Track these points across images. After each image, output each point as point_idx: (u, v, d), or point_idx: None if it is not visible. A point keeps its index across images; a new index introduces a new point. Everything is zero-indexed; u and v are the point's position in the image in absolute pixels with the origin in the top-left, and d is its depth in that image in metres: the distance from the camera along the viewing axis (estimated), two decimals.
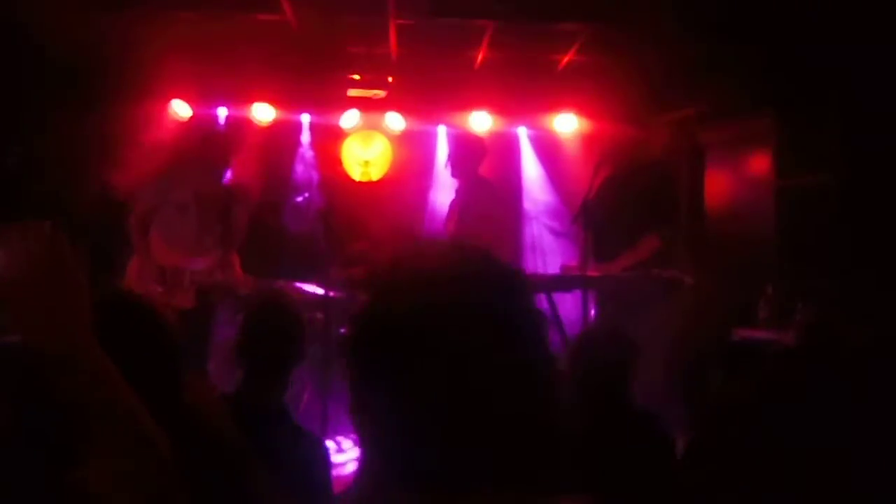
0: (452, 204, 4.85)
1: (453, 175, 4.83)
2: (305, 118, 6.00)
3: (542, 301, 4.47)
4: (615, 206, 4.08)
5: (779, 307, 4.18)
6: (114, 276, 4.02)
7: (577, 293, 4.08)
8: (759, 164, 5.05)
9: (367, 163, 6.05)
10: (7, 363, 1.75)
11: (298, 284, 4.71)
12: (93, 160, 5.04)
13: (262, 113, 5.83)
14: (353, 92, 5.79)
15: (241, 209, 4.25)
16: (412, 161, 6.04)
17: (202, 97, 5.73)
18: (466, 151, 4.77)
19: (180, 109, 5.69)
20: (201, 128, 4.34)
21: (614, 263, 4.04)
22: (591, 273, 3.97)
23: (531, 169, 6.05)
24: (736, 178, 5.27)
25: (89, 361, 1.02)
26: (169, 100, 5.63)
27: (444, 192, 5.60)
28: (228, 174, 4.84)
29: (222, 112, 5.89)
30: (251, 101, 5.77)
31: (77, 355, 1.01)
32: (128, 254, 4.14)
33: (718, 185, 5.37)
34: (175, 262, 3.95)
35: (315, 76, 5.58)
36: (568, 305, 4.22)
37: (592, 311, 4.07)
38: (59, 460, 1.15)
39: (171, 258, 3.94)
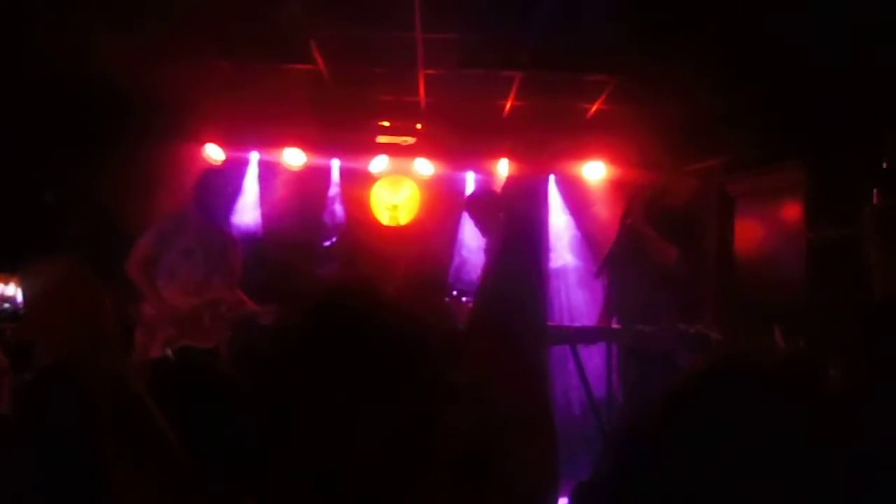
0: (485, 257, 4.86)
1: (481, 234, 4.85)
2: (335, 163, 6.09)
3: (566, 353, 4.45)
4: (636, 255, 4.05)
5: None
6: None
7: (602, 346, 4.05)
8: (791, 214, 4.98)
9: (395, 207, 6.11)
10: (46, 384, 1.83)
11: None
12: (128, 199, 5.15)
13: (294, 157, 5.93)
14: (382, 138, 5.87)
15: (236, 250, 4.57)
16: (440, 206, 6.08)
17: (235, 142, 5.86)
18: (479, 207, 4.78)
19: (213, 153, 5.82)
20: (198, 176, 4.64)
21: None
22: (615, 326, 3.94)
23: (559, 217, 6.04)
24: (767, 228, 5.19)
25: (113, 370, 1.11)
26: (203, 143, 5.76)
27: (471, 236, 5.63)
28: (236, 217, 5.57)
29: (254, 156, 6.01)
30: (283, 145, 5.88)
31: (101, 365, 1.10)
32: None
33: (749, 235, 5.29)
34: (189, 303, 4.18)
35: (345, 122, 5.68)
36: (595, 360, 4.19)
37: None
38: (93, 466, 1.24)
39: (184, 300, 4.17)
